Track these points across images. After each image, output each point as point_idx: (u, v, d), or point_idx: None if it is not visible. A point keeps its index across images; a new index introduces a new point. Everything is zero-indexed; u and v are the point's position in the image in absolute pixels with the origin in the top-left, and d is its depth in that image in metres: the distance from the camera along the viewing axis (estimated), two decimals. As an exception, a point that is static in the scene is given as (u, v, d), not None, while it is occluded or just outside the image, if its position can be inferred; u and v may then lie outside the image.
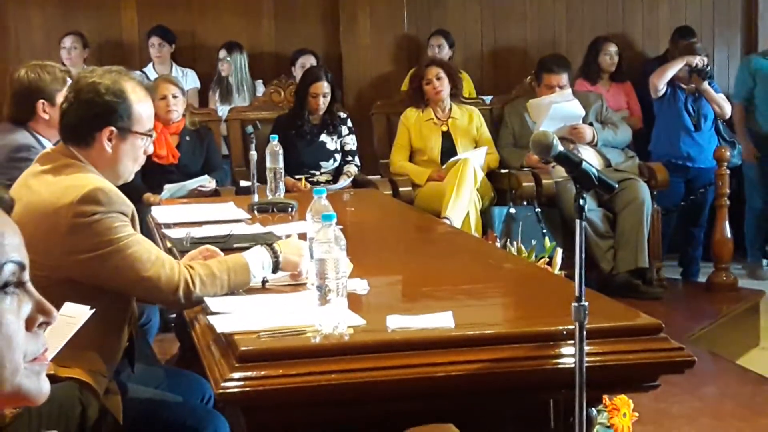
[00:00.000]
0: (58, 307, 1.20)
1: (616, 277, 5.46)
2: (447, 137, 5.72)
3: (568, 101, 5.67)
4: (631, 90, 6.74)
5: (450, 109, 5.78)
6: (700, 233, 6.30)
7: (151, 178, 5.03)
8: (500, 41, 7.23)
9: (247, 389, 1.89)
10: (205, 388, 2.65)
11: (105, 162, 2.41)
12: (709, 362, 4.55)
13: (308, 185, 5.29)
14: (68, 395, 2.21)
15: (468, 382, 1.98)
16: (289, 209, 3.89)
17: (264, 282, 2.46)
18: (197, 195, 5.01)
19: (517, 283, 2.79)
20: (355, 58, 6.94)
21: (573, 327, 1.93)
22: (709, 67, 6.11)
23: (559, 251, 4.04)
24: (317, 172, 5.54)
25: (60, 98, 2.93)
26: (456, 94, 5.83)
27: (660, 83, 6.08)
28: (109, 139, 2.40)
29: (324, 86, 5.50)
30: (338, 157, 5.62)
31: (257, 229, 3.36)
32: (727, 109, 6.17)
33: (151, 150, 2.52)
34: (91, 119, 2.39)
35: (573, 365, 1.93)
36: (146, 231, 3.00)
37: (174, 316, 4.16)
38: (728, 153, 5.76)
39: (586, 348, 1.93)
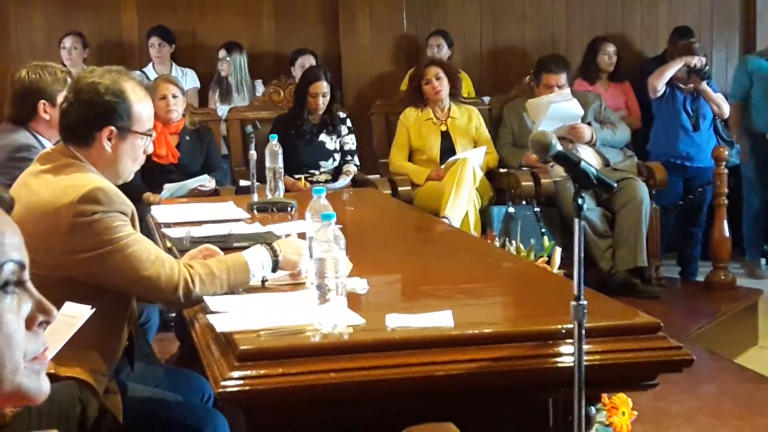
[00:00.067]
0: (58, 306, 1.20)
1: (614, 276, 5.46)
2: (446, 137, 5.72)
3: (566, 101, 5.67)
4: (630, 90, 6.74)
5: (449, 109, 5.79)
6: (699, 232, 6.30)
7: (151, 177, 5.04)
8: (499, 41, 7.24)
9: (247, 388, 1.89)
10: (204, 387, 2.66)
11: (105, 162, 2.42)
12: (707, 361, 4.55)
13: (308, 185, 5.29)
14: (68, 394, 2.21)
15: (467, 381, 1.99)
16: (289, 209, 3.89)
17: (263, 281, 2.46)
18: (197, 194, 5.02)
19: (516, 282, 2.80)
20: (354, 58, 6.94)
21: (572, 326, 1.93)
22: (707, 67, 6.12)
23: (558, 250, 4.04)
24: (316, 172, 5.55)
25: (61, 99, 2.93)
26: (455, 94, 5.83)
27: (659, 84, 6.09)
28: (109, 139, 2.41)
29: (323, 86, 5.50)
30: (337, 156, 5.63)
31: (257, 228, 3.36)
32: (726, 109, 6.18)
33: (150, 150, 2.53)
34: (91, 119, 2.40)
35: (572, 364, 1.93)
36: (146, 230, 3.00)
37: (174, 315, 4.16)
38: (726, 152, 5.77)
39: (585, 347, 1.93)
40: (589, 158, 5.35)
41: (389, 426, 1.91)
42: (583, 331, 1.92)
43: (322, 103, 5.52)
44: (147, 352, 3.17)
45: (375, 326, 2.09)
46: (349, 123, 5.71)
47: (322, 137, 5.59)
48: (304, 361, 1.93)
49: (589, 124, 5.76)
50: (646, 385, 2.15)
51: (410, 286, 2.69)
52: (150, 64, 6.63)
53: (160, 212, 3.88)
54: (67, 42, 6.46)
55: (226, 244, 2.89)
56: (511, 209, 5.42)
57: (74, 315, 2.10)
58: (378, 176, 5.73)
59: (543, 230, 5.25)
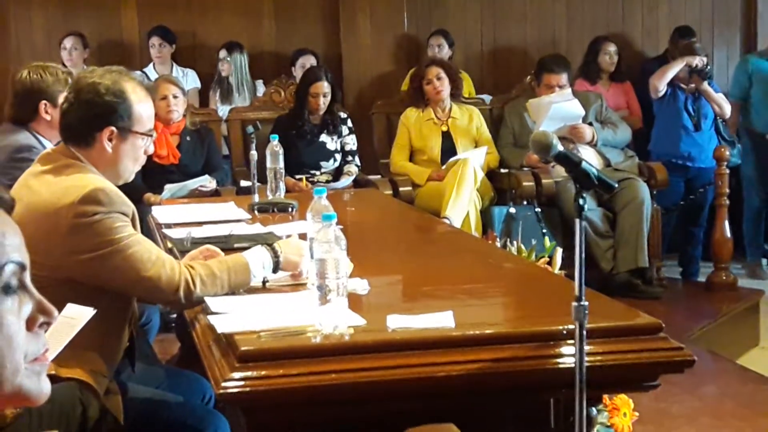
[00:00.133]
0: (58, 307, 1.20)
1: (615, 276, 5.46)
2: (447, 137, 5.72)
3: (567, 101, 5.67)
4: (631, 90, 6.74)
5: (450, 109, 5.78)
6: (700, 233, 6.30)
7: (152, 178, 5.04)
8: (500, 41, 7.24)
9: (248, 389, 1.89)
10: (205, 388, 2.65)
11: (105, 162, 2.42)
12: (708, 362, 4.55)
13: (309, 185, 5.29)
14: (69, 395, 2.21)
15: (468, 381, 1.99)
16: (290, 209, 3.89)
17: (264, 282, 2.46)
18: (198, 195, 5.01)
19: (517, 282, 2.80)
20: (355, 58, 6.94)
21: (573, 326, 1.93)
22: (708, 67, 6.11)
23: (559, 251, 4.04)
24: (317, 172, 5.54)
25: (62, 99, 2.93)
26: (456, 94, 5.83)
27: (660, 84, 6.08)
28: (110, 139, 2.41)
29: (324, 86, 5.50)
30: (338, 157, 5.62)
31: (258, 229, 3.36)
32: (727, 109, 6.17)
33: (151, 150, 2.53)
34: (92, 119, 2.39)
35: (573, 365, 1.93)
36: (147, 231, 3.00)
37: (174, 316, 4.16)
38: (728, 152, 5.76)
39: (586, 347, 1.93)
40: (590, 158, 5.34)
41: (390, 427, 1.91)
42: (585, 332, 1.92)
43: (323, 103, 5.52)
44: (148, 352, 3.17)
45: (376, 327, 2.09)
46: (349, 123, 5.70)
47: (323, 137, 5.59)
48: (305, 362, 1.93)
49: (590, 124, 5.76)
50: (647, 385, 2.15)
51: (411, 286, 2.69)
52: (150, 65, 6.63)
53: (160, 213, 3.88)
54: (68, 43, 6.46)
55: (227, 244, 2.89)
56: (512, 209, 5.42)
57: (75, 316, 2.10)
58: (379, 177, 5.73)
59: (544, 231, 5.24)
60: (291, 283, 2.50)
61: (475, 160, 5.45)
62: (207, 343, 2.14)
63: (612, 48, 6.67)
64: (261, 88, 6.50)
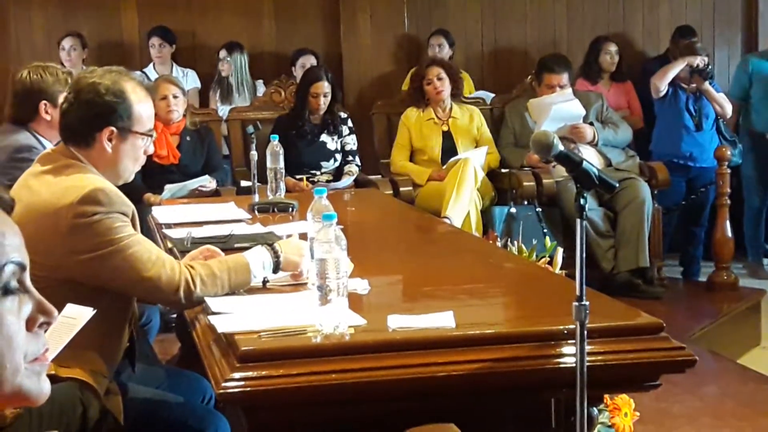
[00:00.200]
0: (58, 307, 1.20)
1: (616, 276, 5.46)
2: (447, 137, 5.72)
3: (568, 101, 5.66)
4: (632, 89, 6.74)
5: (450, 109, 5.78)
6: (701, 232, 6.30)
7: (152, 178, 5.03)
8: (501, 41, 7.23)
9: (248, 389, 1.89)
10: (205, 388, 2.65)
11: (105, 162, 2.41)
12: (710, 362, 4.55)
13: (309, 185, 5.29)
14: (69, 395, 2.20)
15: (469, 381, 1.98)
16: (290, 209, 3.89)
17: (265, 282, 2.46)
18: (198, 195, 5.01)
19: (517, 282, 2.79)
20: (355, 57, 6.94)
21: (574, 326, 1.93)
22: (710, 67, 6.11)
23: (560, 251, 4.04)
24: (318, 172, 5.54)
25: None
26: (457, 94, 5.83)
27: (662, 85, 6.08)
28: (110, 140, 2.40)
29: (324, 86, 5.50)
30: (339, 157, 5.62)
31: (258, 229, 3.36)
32: (728, 109, 6.17)
33: (151, 150, 2.52)
34: (92, 119, 2.39)
35: (574, 365, 1.93)
36: (147, 231, 3.00)
37: (175, 316, 4.16)
38: (729, 152, 5.76)
39: (587, 347, 1.93)
40: (591, 158, 5.34)
41: (390, 427, 1.91)
42: (585, 332, 1.92)
43: (323, 103, 5.51)
44: (148, 353, 3.17)
45: (376, 327, 2.09)
46: (350, 123, 5.70)
47: (323, 137, 5.59)
48: (305, 362, 1.92)
49: (591, 124, 5.76)
50: (648, 385, 2.15)
51: (411, 286, 2.69)
52: (150, 65, 6.63)
53: (160, 213, 3.88)
54: (66, 43, 6.45)
55: (227, 244, 2.89)
56: (513, 209, 5.41)
57: (75, 316, 2.10)
58: (379, 176, 5.72)
59: (545, 230, 5.24)
60: (291, 283, 2.50)
61: (475, 159, 5.45)
62: (207, 343, 2.13)
63: (613, 48, 6.66)
64: (261, 88, 6.50)
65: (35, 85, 3.49)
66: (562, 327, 2.04)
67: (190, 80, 6.61)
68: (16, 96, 3.55)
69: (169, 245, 3.06)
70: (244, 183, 5.01)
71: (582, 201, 1.97)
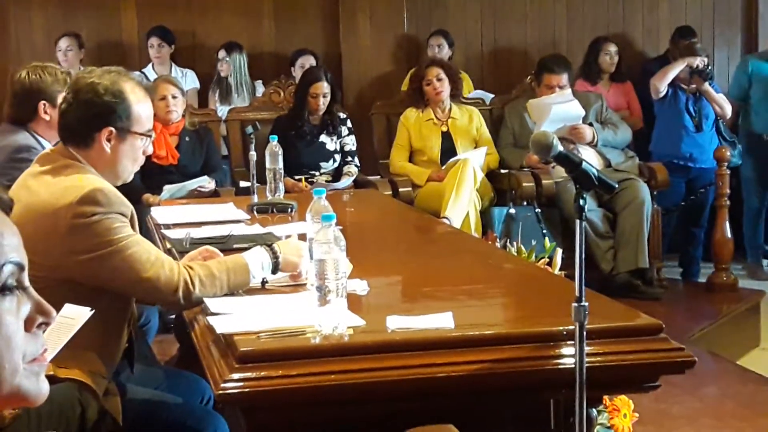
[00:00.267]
0: (57, 307, 1.20)
1: (616, 277, 5.46)
2: (447, 137, 5.72)
3: (567, 102, 5.66)
4: (632, 90, 6.73)
5: (450, 110, 5.78)
6: (701, 233, 6.30)
7: (151, 178, 5.03)
8: (500, 41, 7.23)
9: (247, 390, 1.89)
10: (204, 388, 2.65)
11: (104, 162, 2.41)
12: (709, 362, 4.55)
13: (308, 186, 5.28)
14: (67, 396, 2.20)
15: (468, 382, 1.98)
16: (289, 210, 3.88)
17: (264, 282, 2.45)
18: (197, 196, 5.01)
19: (517, 283, 2.79)
20: (354, 58, 6.93)
21: (573, 327, 1.93)
22: (710, 68, 6.11)
23: (559, 251, 4.04)
24: (317, 173, 5.54)
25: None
26: (456, 95, 5.83)
27: (661, 85, 6.08)
28: (108, 140, 2.40)
29: (324, 86, 5.50)
30: (338, 157, 5.62)
31: (257, 229, 3.36)
32: (728, 110, 6.17)
33: (150, 150, 2.52)
34: (90, 120, 2.39)
35: (573, 365, 1.93)
36: (145, 232, 3.00)
37: (173, 316, 4.15)
38: (728, 153, 5.76)
39: (587, 348, 1.93)
40: (591, 159, 5.34)
41: (390, 428, 1.90)
42: (585, 333, 1.92)
43: (323, 103, 5.51)
44: (146, 353, 3.17)
45: (375, 328, 2.09)
46: (349, 124, 5.70)
47: (323, 138, 5.59)
48: (304, 363, 1.92)
49: (591, 124, 5.76)
50: (647, 386, 2.14)
51: (411, 287, 2.69)
52: (150, 65, 6.63)
53: (159, 213, 3.87)
54: (63, 43, 6.44)
55: (226, 245, 2.88)
56: (512, 210, 5.42)
57: (73, 316, 2.10)
58: (378, 177, 5.72)
59: (544, 231, 5.24)
60: (290, 283, 2.50)
61: (475, 160, 5.45)
62: (206, 343, 2.13)
63: (612, 48, 6.66)
64: (260, 89, 6.50)
65: (34, 85, 3.49)
66: (561, 328, 2.04)
67: (189, 80, 6.61)
68: (15, 96, 3.55)
69: (168, 246, 3.06)
70: (243, 183, 5.01)
71: (581, 202, 1.97)
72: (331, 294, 2.05)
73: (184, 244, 2.95)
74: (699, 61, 6.04)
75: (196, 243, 2.89)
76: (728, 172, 5.75)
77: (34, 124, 3.51)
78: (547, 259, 3.97)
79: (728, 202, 5.76)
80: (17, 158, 3.35)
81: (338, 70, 6.74)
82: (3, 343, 1.08)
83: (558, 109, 5.60)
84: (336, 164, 5.61)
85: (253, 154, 4.15)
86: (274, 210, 3.89)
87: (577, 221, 1.96)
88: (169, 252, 2.87)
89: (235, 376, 1.90)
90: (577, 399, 1.92)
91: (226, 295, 2.35)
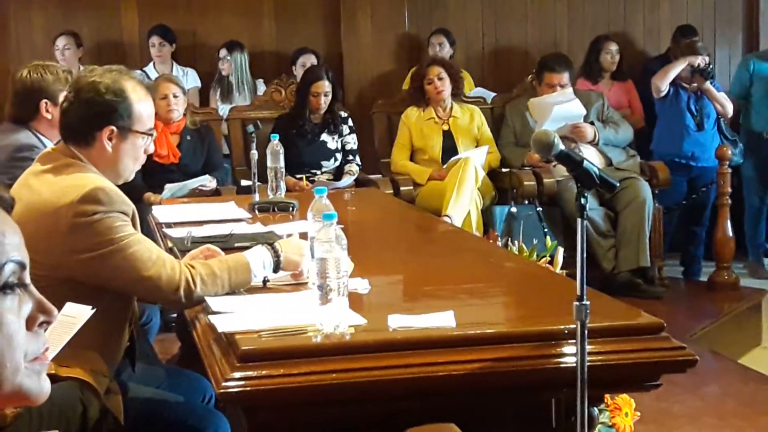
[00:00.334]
0: (58, 306, 1.20)
1: (617, 276, 5.45)
2: (448, 136, 5.72)
3: (568, 101, 5.66)
4: (633, 88, 6.73)
5: (451, 108, 5.78)
6: (702, 232, 6.30)
7: (152, 177, 5.03)
8: (501, 40, 7.23)
9: (248, 389, 1.89)
10: (206, 387, 2.65)
11: (105, 161, 2.41)
12: (710, 361, 4.54)
13: (309, 184, 5.28)
14: (69, 395, 2.20)
15: (469, 381, 1.98)
16: (290, 208, 3.88)
17: (265, 281, 2.45)
18: (198, 194, 5.01)
19: (518, 282, 2.79)
20: (356, 57, 6.94)
21: (574, 326, 1.92)
22: (711, 67, 6.10)
23: (561, 250, 4.03)
24: (318, 172, 5.54)
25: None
26: (457, 94, 5.83)
27: (663, 84, 6.08)
28: (110, 139, 2.40)
29: (325, 85, 5.49)
30: (339, 156, 5.62)
31: (258, 228, 3.36)
32: (729, 108, 6.17)
33: (151, 149, 2.52)
34: (92, 118, 2.39)
35: (575, 364, 1.93)
36: (147, 230, 3.00)
37: (175, 315, 4.16)
38: (730, 152, 5.76)
39: (588, 347, 1.93)
40: (592, 158, 5.34)
41: (391, 426, 1.91)
42: (586, 332, 1.92)
43: (324, 102, 5.51)
44: (148, 352, 3.16)
45: (377, 327, 2.08)
46: (350, 122, 5.70)
47: (324, 137, 5.59)
48: (305, 362, 1.92)
49: (592, 123, 5.75)
50: (649, 385, 2.14)
51: (412, 286, 2.69)
52: (151, 64, 6.63)
53: (161, 212, 3.88)
54: (60, 42, 6.44)
55: (228, 244, 2.89)
56: (514, 209, 5.41)
57: (75, 315, 2.10)
58: (380, 176, 5.72)
59: (545, 230, 5.24)
60: (292, 282, 2.50)
61: (476, 159, 5.45)
62: (207, 342, 2.13)
63: (613, 47, 6.66)
64: (261, 87, 6.50)
65: (36, 84, 3.49)
66: (562, 327, 2.04)
67: (191, 79, 6.61)
68: (17, 95, 3.55)
69: (170, 244, 3.06)
70: (244, 182, 5.01)
71: (583, 200, 1.97)
72: (332, 293, 2.05)
73: (185, 242, 2.95)
74: (700, 60, 6.04)
75: (198, 242, 2.90)
76: (730, 170, 5.75)
77: (35, 122, 3.51)
78: (549, 258, 3.97)
79: (729, 201, 5.75)
80: (19, 157, 3.35)
81: (339, 69, 6.74)
82: (4, 342, 1.08)
83: (559, 108, 5.60)
84: (337, 163, 5.61)
85: (254, 153, 4.16)
86: (276, 209, 3.89)
87: (579, 220, 1.96)
88: (170, 251, 2.87)
89: (237, 374, 1.90)
90: (579, 398, 1.91)
91: (227, 293, 2.35)
